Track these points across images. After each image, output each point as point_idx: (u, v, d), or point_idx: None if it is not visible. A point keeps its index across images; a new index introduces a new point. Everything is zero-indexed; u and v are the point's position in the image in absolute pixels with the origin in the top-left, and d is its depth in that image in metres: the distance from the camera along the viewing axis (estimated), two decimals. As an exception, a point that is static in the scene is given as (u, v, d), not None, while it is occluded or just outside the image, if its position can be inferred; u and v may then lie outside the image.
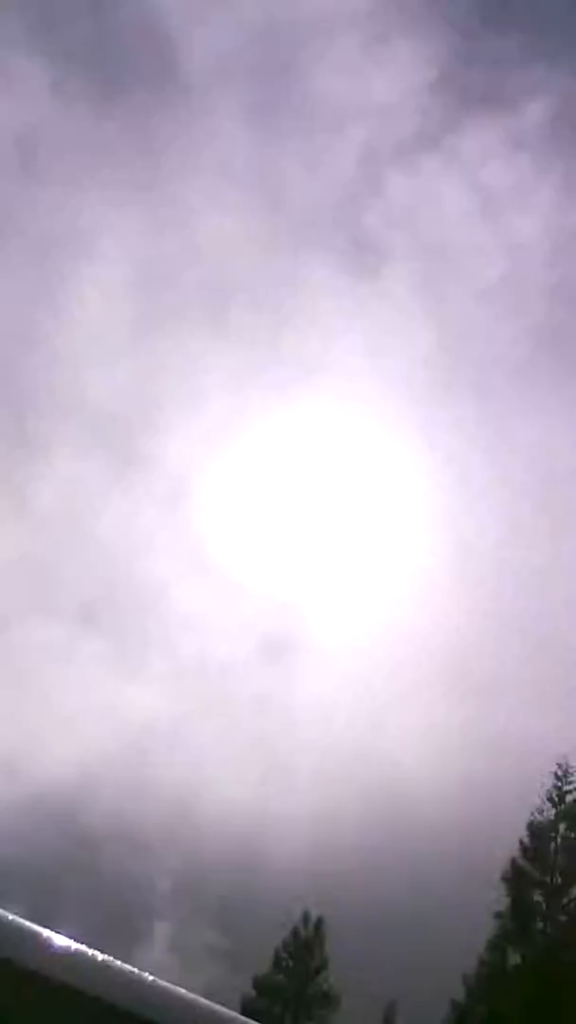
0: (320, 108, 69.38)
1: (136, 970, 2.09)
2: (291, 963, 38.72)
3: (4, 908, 2.05)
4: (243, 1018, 2.13)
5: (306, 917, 39.09)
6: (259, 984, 38.47)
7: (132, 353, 70.49)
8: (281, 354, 66.06)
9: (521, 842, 37.56)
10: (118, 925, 41.17)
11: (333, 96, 68.30)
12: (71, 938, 2.08)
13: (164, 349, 66.65)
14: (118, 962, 2.08)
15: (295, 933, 39.03)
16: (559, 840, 37.58)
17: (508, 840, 37.66)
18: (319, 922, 39.00)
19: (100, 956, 2.07)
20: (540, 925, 36.71)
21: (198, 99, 71.21)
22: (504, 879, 37.01)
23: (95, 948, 2.11)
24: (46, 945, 2.03)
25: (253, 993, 38.13)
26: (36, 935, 2.02)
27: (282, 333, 66.59)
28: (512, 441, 65.79)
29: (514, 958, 36.20)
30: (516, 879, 37.05)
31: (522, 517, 62.30)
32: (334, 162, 71.01)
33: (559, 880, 36.97)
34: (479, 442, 65.85)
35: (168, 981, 2.11)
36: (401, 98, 71.85)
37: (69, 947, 2.05)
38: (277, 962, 38.81)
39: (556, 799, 37.92)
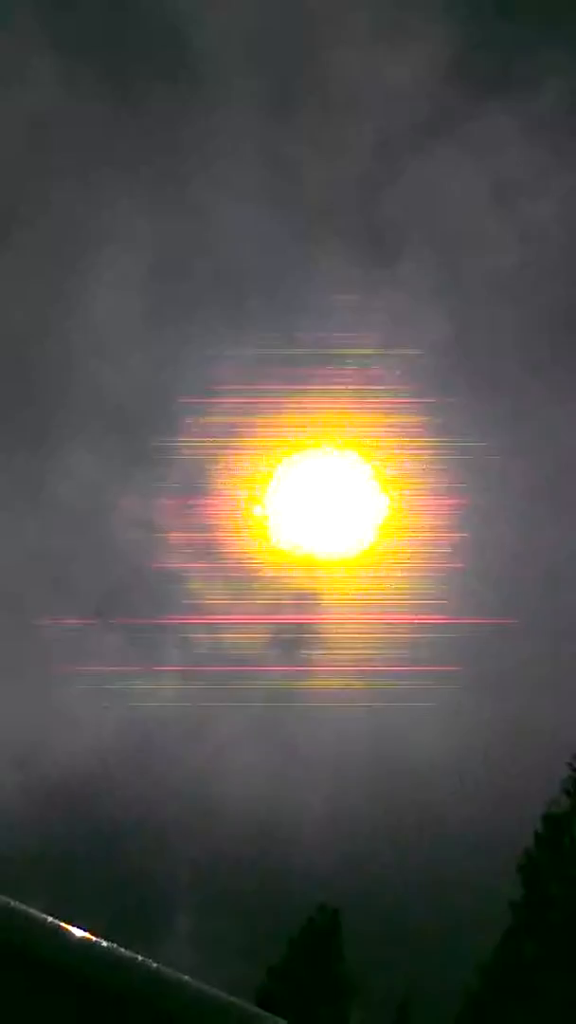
0: (335, 92, 69.04)
1: (147, 960, 2.11)
2: (306, 953, 38.84)
3: (23, 902, 2.07)
4: (252, 1007, 2.16)
5: (322, 908, 39.25)
6: (274, 974, 38.60)
7: (147, 344, 70.44)
8: (295, 344, 65.94)
9: (536, 833, 37.61)
10: (138, 919, 41.27)
11: (348, 80, 67.98)
12: (85, 931, 2.10)
13: (179, 340, 66.64)
14: (129, 952, 2.10)
15: (311, 923, 39.19)
16: (575, 831, 37.60)
17: (529, 830, 37.72)
18: (335, 913, 39.14)
19: (112, 947, 2.09)
20: (556, 916, 36.71)
21: (211, 84, 70.97)
22: (520, 869, 37.08)
23: (115, 942, 2.13)
24: (60, 936, 2.05)
25: (268, 983, 38.26)
26: (50, 926, 2.04)
27: (297, 322, 66.49)
28: (529, 430, 65.54)
29: (530, 949, 36.21)
30: (531, 870, 37.08)
31: (539, 504, 62.16)
32: (349, 147, 70.72)
33: (575, 870, 36.99)
34: (494, 431, 65.62)
35: (190, 976, 2.13)
36: (417, 82, 71.44)
37: (82, 938, 2.07)
38: (292, 952, 38.94)
39: (572, 790, 37.95)
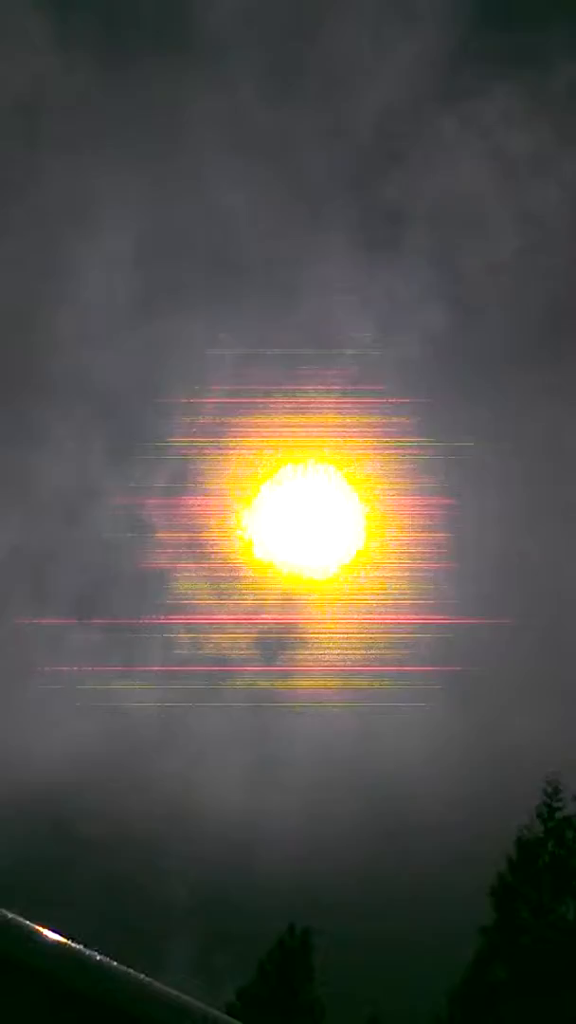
0: (337, 69, 68.47)
1: (129, 970, 2.08)
2: (276, 973, 38.64)
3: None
4: (235, 1021, 2.12)
5: (291, 928, 39.08)
6: (243, 995, 38.37)
7: (135, 331, 69.87)
8: (289, 331, 65.58)
9: (509, 858, 37.57)
10: (133, 944, 40.45)
11: (350, 57, 67.44)
12: (68, 938, 2.07)
13: (167, 328, 66.20)
14: (111, 962, 2.08)
15: (280, 944, 39.00)
16: (547, 857, 37.56)
17: (503, 853, 37.67)
18: (305, 933, 38.96)
19: (93, 955, 2.06)
20: (527, 941, 36.65)
21: (210, 57, 70.44)
22: (491, 894, 37.01)
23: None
24: (41, 943, 2.02)
25: (238, 1004, 38.03)
26: (31, 933, 2.01)
27: (292, 308, 66.17)
28: (520, 426, 65.39)
29: (499, 973, 36.13)
30: (503, 895, 37.02)
31: (531, 510, 62.04)
32: (350, 126, 70.16)
33: (547, 897, 36.95)
34: (486, 426, 65.45)
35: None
36: (422, 60, 70.95)
37: (63, 946, 2.04)
38: (261, 972, 38.73)
39: (545, 815, 37.92)
